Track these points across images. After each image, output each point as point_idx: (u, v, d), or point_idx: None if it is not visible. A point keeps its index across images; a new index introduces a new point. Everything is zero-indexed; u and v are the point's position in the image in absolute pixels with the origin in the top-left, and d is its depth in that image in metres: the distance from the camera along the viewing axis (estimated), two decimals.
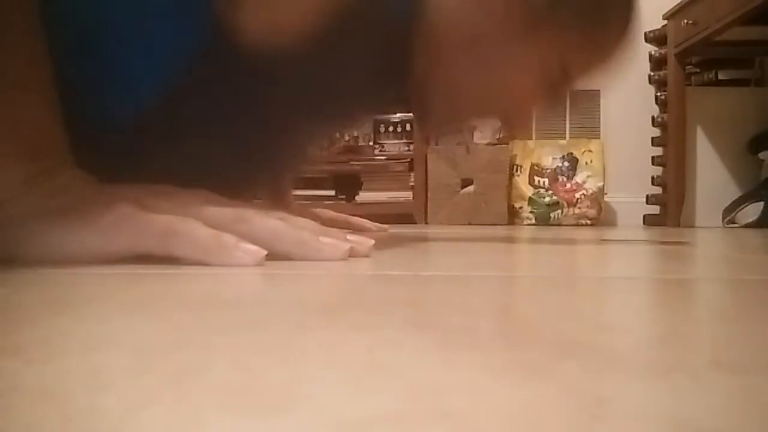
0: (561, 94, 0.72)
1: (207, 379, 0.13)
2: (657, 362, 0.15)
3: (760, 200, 2.21)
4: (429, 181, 2.58)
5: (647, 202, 2.55)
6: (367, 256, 0.46)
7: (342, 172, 2.57)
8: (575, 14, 0.64)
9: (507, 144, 2.60)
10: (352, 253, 0.44)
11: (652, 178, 2.51)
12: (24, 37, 0.41)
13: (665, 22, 2.33)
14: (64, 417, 0.11)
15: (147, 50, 0.49)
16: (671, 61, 2.34)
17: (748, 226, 2.18)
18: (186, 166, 0.43)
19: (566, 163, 2.65)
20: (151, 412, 0.11)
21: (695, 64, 2.49)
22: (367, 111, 0.78)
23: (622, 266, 0.47)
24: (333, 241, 0.43)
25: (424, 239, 0.88)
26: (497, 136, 2.54)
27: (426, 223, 2.54)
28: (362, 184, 2.62)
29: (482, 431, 0.10)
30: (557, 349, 0.16)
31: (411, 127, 2.55)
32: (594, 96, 2.74)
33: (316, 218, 0.51)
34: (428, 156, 2.57)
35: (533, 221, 2.59)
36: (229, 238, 0.38)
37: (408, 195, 2.59)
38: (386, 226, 1.12)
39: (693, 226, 2.30)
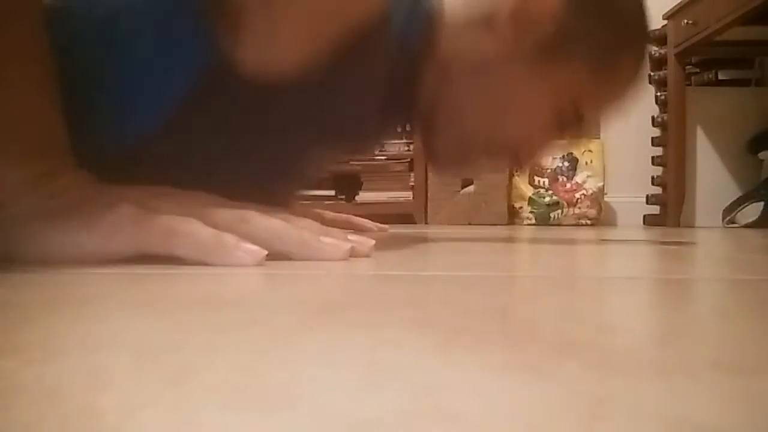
0: (571, 133, 0.70)
1: (207, 379, 0.13)
2: (657, 362, 0.15)
3: (760, 200, 2.21)
4: (429, 181, 2.58)
5: (647, 202, 2.55)
6: (367, 256, 0.46)
7: (342, 172, 2.57)
8: (588, 52, 0.63)
9: None
10: (353, 253, 0.44)
11: (652, 178, 2.51)
12: (26, 38, 0.41)
13: (665, 22, 2.33)
14: (64, 417, 0.11)
15: (150, 76, 0.49)
16: (671, 61, 2.34)
17: (748, 226, 2.18)
18: (190, 184, 0.43)
19: (566, 163, 2.65)
20: (150, 412, 0.11)
21: (695, 64, 2.49)
22: (373, 138, 0.77)
23: (622, 266, 0.47)
24: (334, 241, 0.43)
25: (424, 239, 0.88)
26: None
27: (426, 223, 2.54)
28: (362, 184, 2.61)
29: (482, 431, 0.10)
30: (557, 349, 0.16)
31: (411, 127, 2.55)
32: None
33: (317, 218, 0.51)
34: None
35: (533, 221, 2.59)
36: (229, 238, 0.38)
37: (408, 195, 2.59)
38: (386, 226, 1.12)
39: (693, 226, 2.30)
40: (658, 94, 2.46)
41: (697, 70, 2.51)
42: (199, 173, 0.44)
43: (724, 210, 2.35)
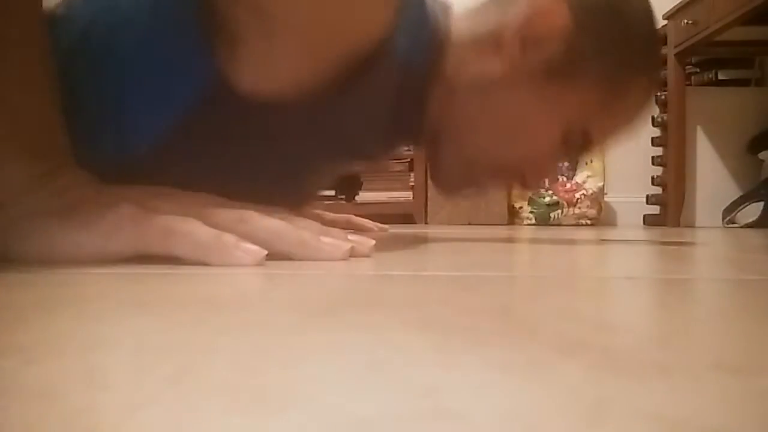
0: (578, 157, 0.70)
1: (207, 379, 0.13)
2: (657, 362, 0.15)
3: (760, 200, 2.21)
4: (429, 181, 2.57)
5: (647, 202, 2.55)
6: (367, 256, 0.46)
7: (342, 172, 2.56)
8: (597, 75, 0.62)
9: None
10: (353, 253, 0.44)
11: (652, 178, 2.51)
12: (26, 38, 0.41)
13: (665, 22, 2.33)
14: (64, 417, 0.11)
15: (150, 87, 0.49)
16: (671, 61, 2.34)
17: (748, 226, 2.18)
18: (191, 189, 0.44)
19: (566, 163, 2.65)
20: (150, 412, 0.11)
21: (695, 64, 2.50)
22: (379, 156, 0.76)
23: (622, 266, 0.47)
24: (333, 241, 0.43)
25: (424, 239, 0.88)
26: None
27: (426, 223, 2.54)
28: (362, 184, 2.61)
29: (482, 431, 0.10)
30: (557, 349, 0.16)
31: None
32: None
33: (316, 218, 0.51)
34: None
35: (533, 221, 2.59)
36: (229, 238, 0.38)
37: (408, 195, 2.59)
38: (387, 226, 1.12)
39: (693, 226, 2.30)
40: (658, 94, 2.46)
41: (697, 70, 2.51)
42: (201, 184, 0.44)
43: (724, 210, 2.35)
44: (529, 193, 2.60)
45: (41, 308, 0.23)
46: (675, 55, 2.32)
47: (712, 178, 2.41)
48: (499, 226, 2.14)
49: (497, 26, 0.63)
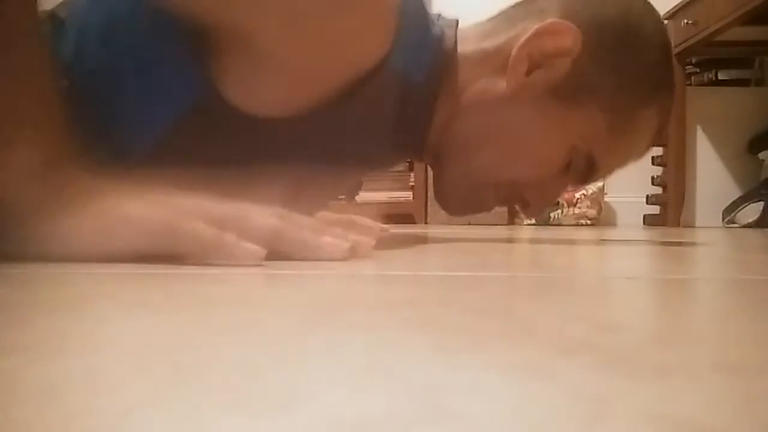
0: (582, 184, 0.68)
1: (207, 379, 0.13)
2: (657, 362, 0.15)
3: (760, 200, 2.21)
4: (429, 181, 2.58)
5: (647, 202, 2.55)
6: (367, 255, 0.46)
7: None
8: (606, 101, 0.60)
9: None
10: (353, 253, 0.44)
11: (652, 178, 2.51)
12: (26, 38, 0.41)
13: (665, 22, 2.33)
14: (64, 417, 0.11)
15: (142, 95, 0.49)
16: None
17: (748, 226, 2.18)
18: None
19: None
20: (151, 412, 0.11)
21: (695, 64, 2.50)
22: (380, 167, 0.75)
23: (622, 266, 0.47)
24: (333, 241, 0.43)
25: (424, 239, 0.88)
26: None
27: (426, 223, 2.54)
28: (362, 184, 2.61)
29: (482, 431, 0.10)
30: (557, 349, 0.16)
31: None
32: None
33: (317, 218, 0.51)
34: None
35: (533, 221, 2.59)
36: (229, 237, 0.38)
37: (408, 195, 2.59)
38: (387, 226, 1.12)
39: (693, 226, 2.30)
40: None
41: (697, 70, 2.51)
42: (196, 191, 0.44)
43: (724, 210, 2.35)
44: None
45: (41, 308, 0.23)
46: (675, 55, 2.31)
47: (712, 178, 2.41)
48: (499, 226, 2.14)
49: (505, 43, 0.62)
